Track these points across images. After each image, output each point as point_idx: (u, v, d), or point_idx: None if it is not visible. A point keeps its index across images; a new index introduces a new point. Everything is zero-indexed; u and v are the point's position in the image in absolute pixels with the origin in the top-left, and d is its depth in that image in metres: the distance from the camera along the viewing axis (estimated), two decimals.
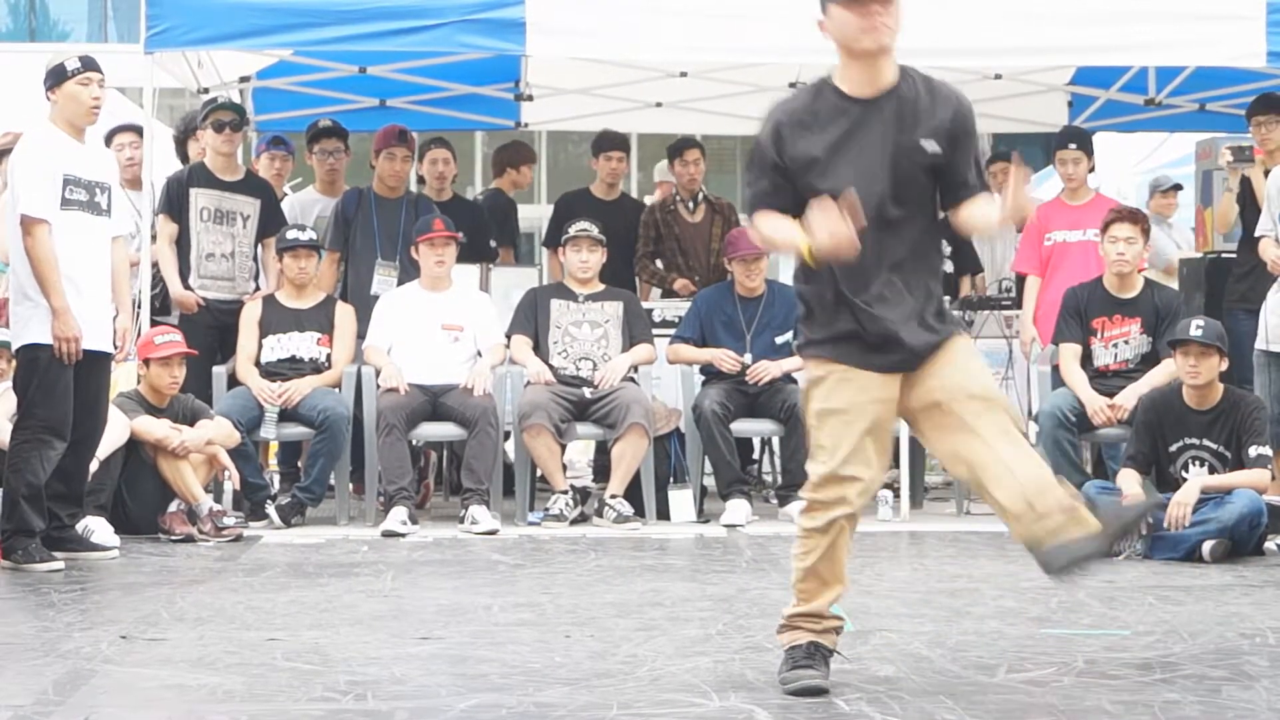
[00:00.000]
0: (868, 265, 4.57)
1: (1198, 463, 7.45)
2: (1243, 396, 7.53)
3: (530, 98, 11.27)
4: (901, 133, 4.61)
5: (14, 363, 7.23)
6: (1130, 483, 7.36)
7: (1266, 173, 8.79)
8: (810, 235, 4.47)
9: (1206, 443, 7.43)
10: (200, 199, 9.12)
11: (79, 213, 7.04)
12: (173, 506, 7.95)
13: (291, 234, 8.92)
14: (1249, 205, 9.01)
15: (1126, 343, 8.38)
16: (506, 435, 8.85)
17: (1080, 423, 8.23)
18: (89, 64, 7.08)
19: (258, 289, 9.16)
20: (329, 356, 8.81)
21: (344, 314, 8.94)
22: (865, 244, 4.48)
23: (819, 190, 4.53)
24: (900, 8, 4.61)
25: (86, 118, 7.07)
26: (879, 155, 4.61)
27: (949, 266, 10.64)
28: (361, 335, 8.98)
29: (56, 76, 7.06)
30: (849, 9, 4.56)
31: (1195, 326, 7.42)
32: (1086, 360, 8.42)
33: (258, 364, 8.73)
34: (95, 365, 7.15)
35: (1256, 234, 8.18)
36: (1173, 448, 7.49)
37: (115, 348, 7.35)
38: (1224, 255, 10.27)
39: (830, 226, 4.42)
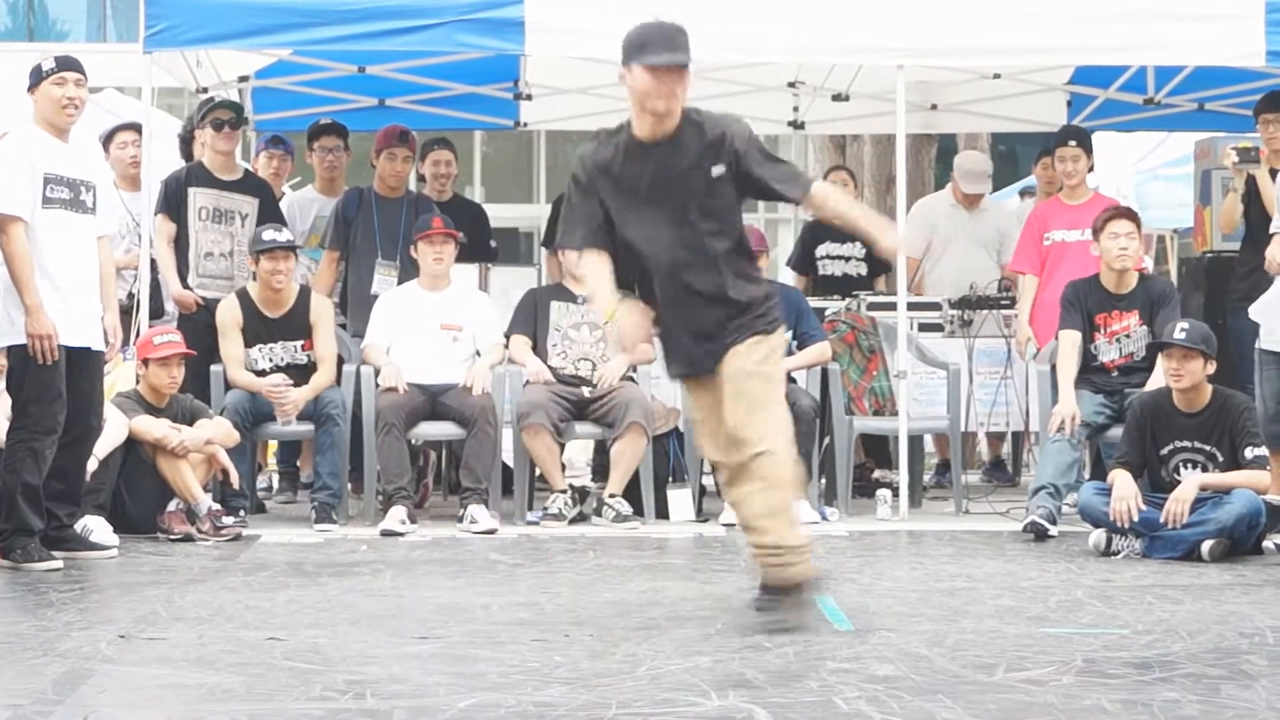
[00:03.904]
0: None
1: (1190, 465, 7.45)
2: (1230, 397, 7.53)
3: (529, 97, 11.26)
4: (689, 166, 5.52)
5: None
6: (1123, 480, 7.38)
7: (1273, 172, 8.79)
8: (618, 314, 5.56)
9: (1198, 445, 7.44)
10: (199, 198, 9.12)
11: (61, 211, 7.04)
12: (172, 506, 7.95)
13: (268, 235, 8.64)
14: (1254, 205, 9.02)
15: (1129, 336, 8.40)
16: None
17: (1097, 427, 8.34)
18: (65, 64, 7.11)
19: (244, 286, 9.11)
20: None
21: (319, 307, 8.78)
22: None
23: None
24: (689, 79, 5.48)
25: (60, 117, 7.08)
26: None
27: (863, 269, 10.67)
28: (360, 334, 8.97)
29: (35, 77, 7.12)
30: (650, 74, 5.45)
31: (1180, 329, 7.42)
32: (1090, 357, 8.43)
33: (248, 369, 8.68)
34: (86, 363, 7.15)
35: (1272, 230, 8.19)
36: (1164, 450, 7.49)
37: (106, 344, 7.35)
38: (1223, 254, 10.29)
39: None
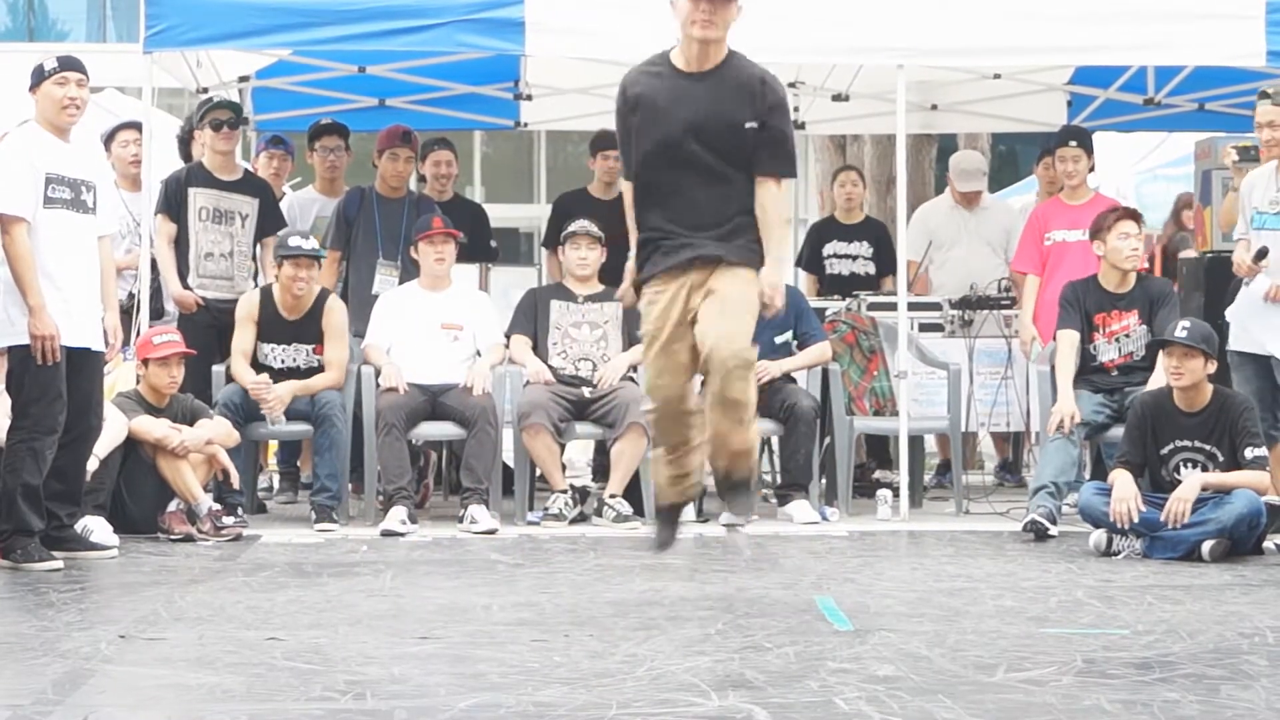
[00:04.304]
0: None
1: (1190, 464, 7.45)
2: (1231, 397, 7.53)
3: (530, 97, 11.26)
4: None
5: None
6: (1123, 482, 7.38)
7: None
8: None
9: (1198, 444, 7.44)
10: (199, 199, 9.11)
11: (63, 211, 7.04)
12: (172, 506, 7.94)
13: (294, 241, 8.64)
14: None
15: (1128, 336, 8.41)
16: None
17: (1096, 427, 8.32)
18: (67, 64, 7.12)
19: (270, 284, 9.10)
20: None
21: (334, 312, 8.75)
22: None
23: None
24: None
25: (61, 117, 7.08)
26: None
27: (871, 268, 10.70)
28: (361, 334, 8.97)
29: (36, 77, 7.12)
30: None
31: (1181, 328, 7.43)
32: (1089, 357, 8.42)
33: (255, 366, 8.67)
34: (86, 364, 7.15)
35: (1235, 237, 8.21)
36: (1164, 450, 7.49)
37: (106, 345, 7.35)
38: (1223, 255, 10.27)
39: None
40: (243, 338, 8.67)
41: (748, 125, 5.80)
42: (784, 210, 5.99)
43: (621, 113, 5.99)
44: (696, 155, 5.81)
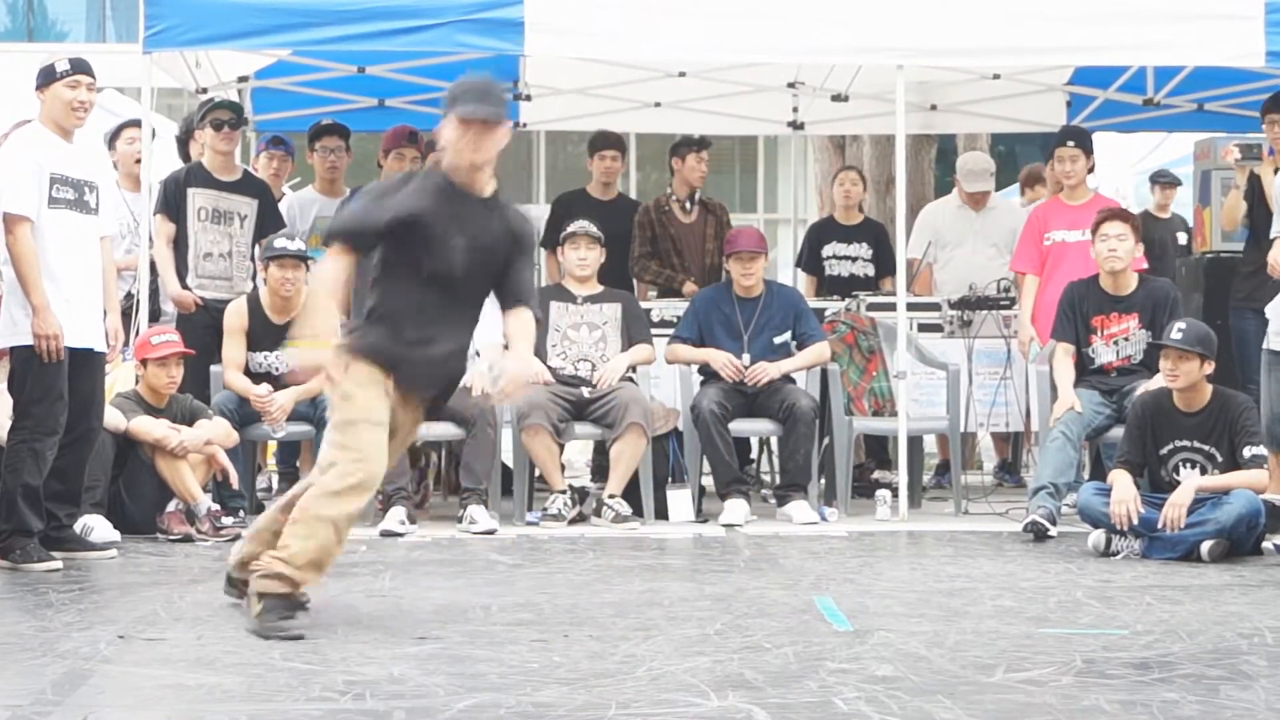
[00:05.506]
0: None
1: (1189, 465, 7.45)
2: (1231, 397, 7.53)
3: (529, 98, 11.26)
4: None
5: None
6: (1123, 483, 7.37)
7: (1277, 171, 8.78)
8: None
9: (1197, 444, 7.44)
10: (198, 199, 9.11)
11: (67, 211, 7.05)
12: (171, 506, 7.94)
13: (279, 243, 8.64)
14: (1257, 203, 9.01)
15: (1127, 339, 8.40)
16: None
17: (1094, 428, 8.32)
18: (78, 66, 7.11)
19: (255, 289, 9.13)
20: None
21: None
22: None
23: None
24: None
25: (70, 119, 7.08)
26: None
27: (870, 269, 10.70)
28: None
29: (46, 77, 7.09)
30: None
31: (1176, 330, 7.42)
32: (1088, 360, 8.42)
33: (248, 373, 8.66)
34: (88, 364, 7.14)
35: (1272, 235, 8.18)
36: (1163, 450, 7.49)
37: (108, 345, 7.35)
38: (1223, 255, 10.29)
39: None
40: (233, 350, 8.65)
41: (506, 260, 5.96)
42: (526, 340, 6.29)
43: (388, 192, 5.93)
44: (466, 280, 6.00)
